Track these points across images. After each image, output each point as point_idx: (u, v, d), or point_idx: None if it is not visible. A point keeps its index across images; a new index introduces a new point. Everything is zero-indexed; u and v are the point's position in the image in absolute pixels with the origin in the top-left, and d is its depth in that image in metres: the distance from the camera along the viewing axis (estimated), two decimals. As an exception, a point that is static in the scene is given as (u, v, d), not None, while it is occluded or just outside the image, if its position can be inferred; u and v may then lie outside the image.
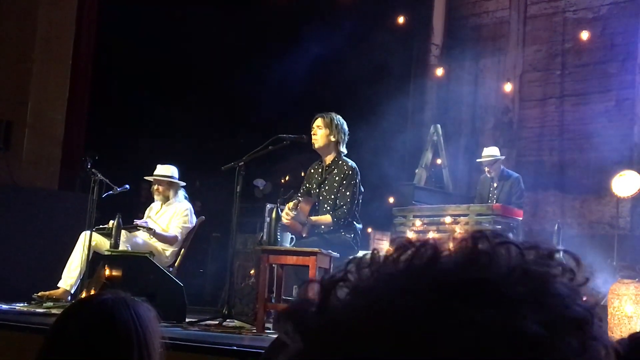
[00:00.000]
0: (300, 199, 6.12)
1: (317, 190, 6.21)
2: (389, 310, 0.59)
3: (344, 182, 6.08)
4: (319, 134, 6.13)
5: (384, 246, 8.23)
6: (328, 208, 6.10)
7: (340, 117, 6.21)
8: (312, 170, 6.39)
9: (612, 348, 0.61)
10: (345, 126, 6.21)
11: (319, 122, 6.15)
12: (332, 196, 6.12)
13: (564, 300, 0.60)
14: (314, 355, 0.61)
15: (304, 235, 6.01)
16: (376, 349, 0.58)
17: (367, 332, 0.59)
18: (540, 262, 0.62)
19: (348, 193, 6.06)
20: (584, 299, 0.62)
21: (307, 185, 6.38)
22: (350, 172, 6.09)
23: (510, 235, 0.66)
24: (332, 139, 6.14)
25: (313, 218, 6.06)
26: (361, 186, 6.22)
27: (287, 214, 5.97)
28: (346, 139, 6.22)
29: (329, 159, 6.22)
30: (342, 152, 6.19)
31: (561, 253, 0.64)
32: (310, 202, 6.12)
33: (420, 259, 0.62)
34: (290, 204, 6.02)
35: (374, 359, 0.58)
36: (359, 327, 0.59)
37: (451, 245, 0.63)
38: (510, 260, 0.61)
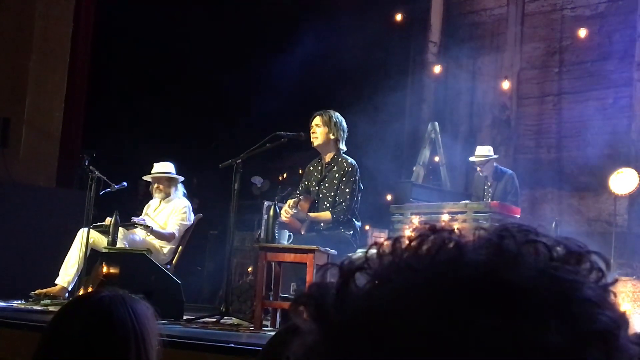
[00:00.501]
0: (300, 197, 6.11)
1: (317, 188, 6.21)
2: (410, 306, 0.57)
3: (344, 179, 6.08)
4: (318, 132, 6.13)
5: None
6: (328, 205, 6.10)
7: (339, 115, 6.21)
8: (312, 168, 6.39)
9: (637, 357, 0.59)
10: (344, 123, 6.21)
11: (317, 120, 6.15)
12: (332, 193, 6.11)
13: (591, 310, 0.57)
14: (333, 346, 0.60)
15: (302, 233, 6.01)
16: (395, 345, 0.57)
17: (388, 327, 0.57)
18: (569, 265, 0.60)
19: (347, 190, 6.06)
20: (612, 304, 0.60)
21: (306, 182, 6.37)
22: (350, 169, 6.09)
23: (539, 230, 0.62)
24: (331, 136, 6.14)
25: (312, 214, 6.07)
26: (360, 183, 6.22)
27: (286, 212, 5.96)
28: (345, 137, 6.22)
29: (328, 156, 6.22)
30: (341, 149, 6.19)
31: (592, 255, 0.62)
32: (309, 200, 6.12)
33: (444, 254, 0.60)
34: (290, 202, 6.02)
35: (392, 355, 0.57)
36: (380, 320, 0.58)
37: (475, 239, 0.61)
38: (537, 262, 0.59)
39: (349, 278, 0.62)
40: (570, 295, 0.57)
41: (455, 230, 0.63)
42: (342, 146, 6.20)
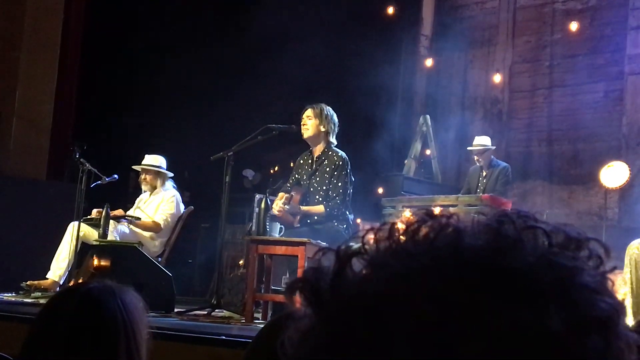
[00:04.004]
0: (291, 191, 6.11)
1: (308, 182, 6.21)
2: (408, 291, 0.56)
3: (335, 172, 6.08)
4: (309, 124, 6.14)
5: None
6: (319, 199, 6.10)
7: (330, 109, 6.22)
8: (302, 161, 6.38)
9: (635, 344, 0.59)
10: (335, 117, 6.21)
11: (309, 112, 6.15)
12: (324, 187, 6.11)
13: (591, 296, 0.57)
14: (328, 331, 0.59)
15: (296, 225, 6.01)
16: (392, 330, 0.56)
17: (385, 312, 0.56)
18: (568, 251, 0.59)
19: (340, 184, 6.06)
20: (610, 291, 0.59)
21: (297, 175, 6.37)
22: (341, 163, 6.09)
23: (537, 217, 0.61)
24: (322, 129, 6.14)
25: (305, 208, 6.06)
26: (352, 176, 6.22)
27: (279, 206, 5.95)
28: (336, 130, 6.23)
29: (318, 149, 6.22)
30: (331, 142, 6.20)
31: (591, 242, 0.61)
32: (301, 192, 6.12)
33: (443, 239, 0.59)
34: (282, 197, 6.00)
35: (389, 341, 0.56)
36: (376, 305, 0.57)
37: (474, 225, 0.61)
38: (537, 248, 0.58)
39: (345, 263, 0.61)
40: (569, 281, 0.57)
41: (454, 216, 0.63)
42: (333, 139, 6.20)
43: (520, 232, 0.59)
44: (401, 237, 0.61)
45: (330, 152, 6.17)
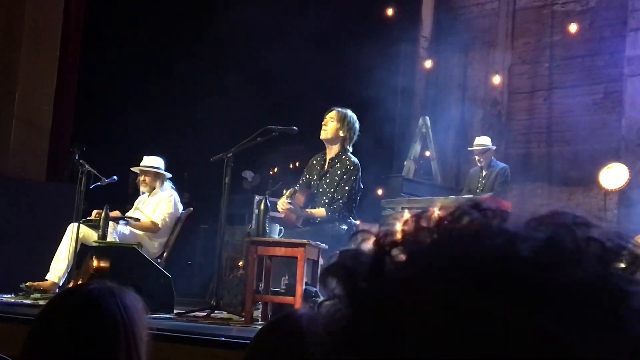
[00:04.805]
0: (296, 188, 6.09)
1: (318, 182, 6.20)
2: (454, 298, 0.53)
3: (345, 176, 6.08)
4: (330, 126, 6.13)
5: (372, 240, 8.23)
6: (326, 201, 6.09)
7: (355, 116, 6.20)
8: (314, 162, 6.37)
9: None
10: (356, 125, 6.20)
11: (333, 114, 6.14)
12: (332, 189, 6.11)
13: (637, 325, 0.52)
14: (364, 325, 0.55)
15: (298, 225, 6.00)
16: (429, 331, 0.52)
17: (423, 310, 0.53)
18: (625, 272, 0.54)
19: (347, 188, 6.06)
20: None
21: (308, 176, 6.36)
22: (352, 168, 6.09)
23: (596, 224, 0.56)
24: (341, 134, 6.14)
25: (307, 210, 6.05)
26: (361, 183, 6.23)
27: (283, 203, 5.95)
28: (355, 138, 6.21)
29: (333, 152, 6.21)
30: (347, 149, 6.19)
31: None
32: (305, 194, 6.10)
33: (494, 239, 0.55)
34: (288, 192, 6.00)
35: (429, 344, 0.52)
36: (419, 308, 0.53)
37: (526, 226, 0.56)
38: (593, 265, 0.53)
39: (385, 253, 0.57)
40: (620, 307, 0.53)
41: (500, 207, 0.58)
42: (349, 147, 6.20)
43: (579, 244, 0.54)
44: (444, 229, 0.57)
45: (344, 157, 6.17)
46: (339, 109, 6.16)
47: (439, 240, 0.57)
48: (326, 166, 6.22)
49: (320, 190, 6.16)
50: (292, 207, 5.92)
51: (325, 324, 0.59)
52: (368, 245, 0.60)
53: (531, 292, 0.52)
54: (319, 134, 6.23)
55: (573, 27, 9.75)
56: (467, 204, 0.59)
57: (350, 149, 6.21)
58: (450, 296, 0.53)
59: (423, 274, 0.55)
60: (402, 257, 0.57)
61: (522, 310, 0.51)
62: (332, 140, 6.17)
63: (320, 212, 6.05)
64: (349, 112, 6.18)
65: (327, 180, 6.16)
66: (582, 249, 0.54)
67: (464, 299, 0.53)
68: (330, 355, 0.58)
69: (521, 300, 0.52)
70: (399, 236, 0.58)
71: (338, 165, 6.15)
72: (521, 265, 0.53)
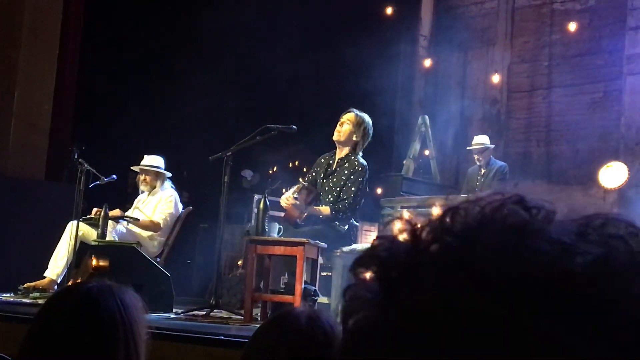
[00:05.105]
0: (305, 184, 6.09)
1: (324, 180, 6.21)
2: (508, 304, 0.49)
3: (352, 177, 6.09)
4: (345, 129, 6.14)
5: (372, 238, 8.24)
6: (331, 199, 6.10)
7: (371, 122, 6.20)
8: (323, 160, 6.38)
9: None
10: (371, 131, 6.21)
11: (351, 116, 6.15)
12: (337, 189, 6.12)
13: None
14: (399, 324, 0.51)
15: (300, 222, 5.99)
16: (473, 343, 0.49)
17: (466, 321, 0.49)
18: None
19: (353, 188, 6.07)
20: None
21: (314, 173, 6.37)
22: (360, 169, 6.10)
23: None
24: (355, 138, 6.16)
25: (312, 207, 6.05)
26: (367, 186, 6.23)
27: (288, 198, 5.94)
28: (366, 144, 6.22)
29: (343, 153, 6.22)
30: (357, 152, 6.19)
31: None
32: (311, 192, 6.09)
33: (543, 246, 0.51)
34: (296, 187, 5.99)
35: (472, 351, 0.49)
36: (458, 310, 0.50)
37: (580, 234, 0.52)
38: None
39: (423, 249, 0.54)
40: None
41: (544, 204, 0.55)
42: (360, 151, 6.20)
43: (634, 257, 0.51)
44: (488, 226, 0.53)
45: (353, 157, 6.18)
46: (357, 113, 6.16)
47: (483, 238, 0.52)
48: (334, 165, 6.23)
49: (326, 188, 6.17)
50: (297, 202, 5.93)
51: (353, 319, 0.55)
52: (403, 235, 0.56)
53: (586, 311, 0.49)
54: (331, 135, 6.22)
55: (572, 26, 9.75)
56: (512, 199, 0.55)
57: (361, 153, 6.22)
58: (502, 311, 0.49)
59: (468, 277, 0.51)
60: (442, 253, 0.53)
61: (578, 336, 0.49)
62: (344, 143, 6.18)
63: (325, 209, 6.06)
64: (366, 118, 6.18)
65: (334, 180, 6.17)
66: (635, 260, 0.51)
67: (514, 316, 0.49)
68: (354, 355, 0.55)
69: (576, 322, 0.49)
70: (435, 229, 0.54)
71: (346, 165, 6.16)
72: (576, 283, 0.50)
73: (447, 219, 0.55)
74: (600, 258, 0.51)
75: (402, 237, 0.56)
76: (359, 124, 6.13)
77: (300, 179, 6.12)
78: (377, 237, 0.57)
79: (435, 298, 0.51)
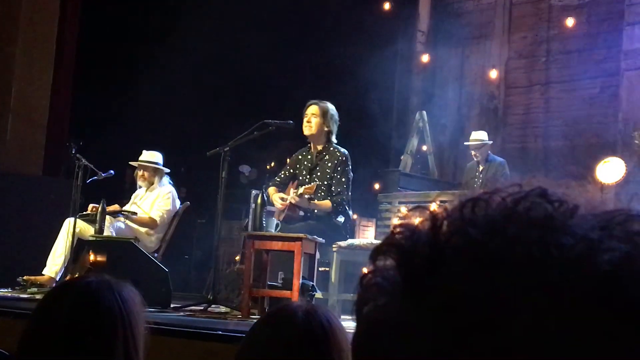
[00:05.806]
0: (317, 182, 6.06)
1: (308, 177, 6.20)
2: (533, 304, 0.48)
3: (339, 168, 6.09)
4: (313, 122, 6.13)
5: (370, 233, 8.25)
6: (322, 194, 6.10)
7: (334, 107, 6.22)
8: (300, 157, 6.37)
9: None
10: (336, 116, 6.23)
11: (314, 109, 6.14)
12: (326, 182, 6.12)
13: None
14: (422, 319, 0.50)
15: (297, 218, 6.00)
16: (511, 338, 0.48)
17: (494, 317, 0.48)
18: None
19: (343, 179, 6.09)
20: None
21: (291, 170, 6.37)
22: (344, 159, 6.11)
23: None
24: (325, 128, 6.16)
25: (314, 202, 6.05)
26: (351, 172, 6.24)
27: (292, 198, 5.92)
28: (336, 129, 6.23)
29: (319, 145, 6.22)
30: (332, 141, 6.20)
31: None
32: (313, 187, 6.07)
33: (569, 242, 0.50)
34: (301, 189, 5.95)
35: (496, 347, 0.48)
36: (487, 306, 0.48)
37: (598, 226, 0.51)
38: None
39: (445, 240, 0.52)
40: None
41: (567, 198, 0.53)
42: (334, 138, 6.22)
43: None
44: (514, 219, 0.51)
45: (331, 148, 6.18)
46: (319, 103, 6.17)
47: (509, 232, 0.51)
48: (314, 160, 6.23)
49: (312, 184, 6.16)
50: (300, 200, 5.93)
51: (369, 307, 0.54)
52: (423, 225, 0.54)
53: (615, 311, 0.48)
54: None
55: (570, 21, 9.75)
56: (535, 191, 0.54)
57: (335, 141, 6.22)
58: (533, 307, 0.48)
59: (494, 269, 0.49)
60: (466, 246, 0.51)
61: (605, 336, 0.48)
62: (317, 136, 6.19)
63: (325, 203, 6.07)
64: (329, 105, 6.20)
65: (319, 174, 6.17)
66: None
67: (542, 309, 0.48)
68: (372, 345, 0.53)
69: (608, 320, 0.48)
70: (456, 220, 0.53)
71: (327, 157, 6.17)
72: (602, 282, 0.49)
73: (467, 210, 0.53)
74: (628, 255, 0.50)
75: (423, 226, 0.54)
76: (324, 113, 6.13)
77: (314, 179, 6.09)
78: (398, 226, 0.55)
79: (469, 295, 0.49)
